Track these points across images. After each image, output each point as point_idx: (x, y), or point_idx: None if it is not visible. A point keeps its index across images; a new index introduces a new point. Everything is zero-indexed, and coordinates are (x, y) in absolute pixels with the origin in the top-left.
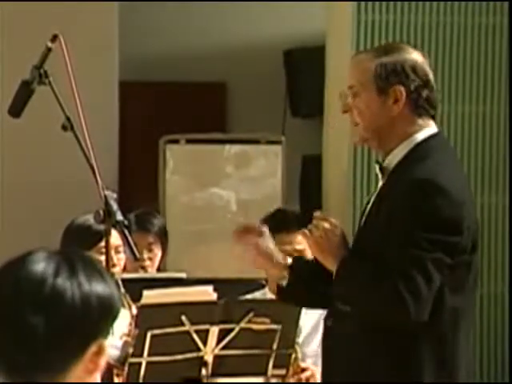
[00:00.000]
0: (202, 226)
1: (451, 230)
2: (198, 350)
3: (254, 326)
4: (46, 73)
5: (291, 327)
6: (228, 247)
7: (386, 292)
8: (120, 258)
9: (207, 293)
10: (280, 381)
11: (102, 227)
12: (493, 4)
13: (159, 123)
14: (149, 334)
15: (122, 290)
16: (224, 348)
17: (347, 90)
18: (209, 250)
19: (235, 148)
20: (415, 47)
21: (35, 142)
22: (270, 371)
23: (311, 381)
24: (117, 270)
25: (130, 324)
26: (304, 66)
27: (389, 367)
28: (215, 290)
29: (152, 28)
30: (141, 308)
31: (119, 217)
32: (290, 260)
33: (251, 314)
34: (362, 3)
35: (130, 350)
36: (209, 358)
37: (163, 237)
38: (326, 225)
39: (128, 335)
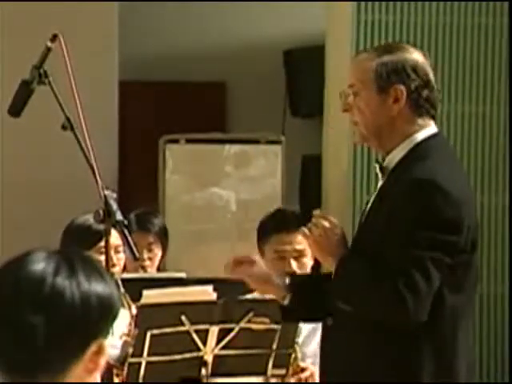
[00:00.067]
0: (202, 225)
1: (451, 229)
2: (198, 349)
3: (254, 326)
4: (45, 73)
5: (291, 327)
6: (228, 247)
7: (386, 292)
8: (120, 258)
9: (207, 293)
10: (280, 381)
11: (101, 227)
12: (493, 4)
13: (159, 123)
14: (148, 334)
15: (122, 289)
16: (224, 348)
17: (348, 89)
18: (209, 250)
19: (235, 148)
20: (415, 47)
21: (35, 141)
22: (270, 371)
23: (310, 381)
24: (116, 269)
25: (130, 324)
26: (304, 66)
27: (388, 367)
28: (215, 289)
29: (152, 28)
30: (140, 308)
31: (119, 217)
32: (287, 280)
33: (251, 314)
34: (362, 3)
35: (130, 350)
36: (208, 358)
37: (163, 237)
38: (326, 224)
39: (128, 335)
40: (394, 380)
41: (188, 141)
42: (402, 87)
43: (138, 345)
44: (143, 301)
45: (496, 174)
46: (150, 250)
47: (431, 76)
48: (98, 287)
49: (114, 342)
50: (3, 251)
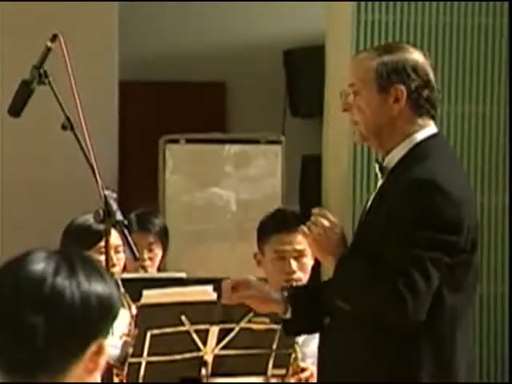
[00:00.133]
0: (202, 225)
1: (451, 229)
2: (198, 349)
3: (254, 326)
4: (45, 73)
5: None
6: (228, 247)
7: (386, 291)
8: (120, 258)
9: (207, 292)
10: (280, 381)
11: (101, 227)
12: (493, 4)
13: (159, 123)
14: (148, 334)
15: (122, 289)
16: (224, 348)
17: (348, 89)
18: (209, 250)
19: (235, 148)
20: (415, 47)
21: (35, 141)
22: (270, 371)
23: (311, 381)
24: (116, 269)
25: (130, 324)
26: (304, 66)
27: (387, 366)
28: (215, 289)
29: (152, 28)
30: (140, 308)
31: (119, 216)
32: (285, 293)
33: (251, 314)
34: (362, 3)
35: (130, 350)
36: (209, 358)
37: (164, 237)
38: (326, 223)
39: (128, 335)
40: (392, 379)
41: (188, 141)
42: (403, 87)
43: (138, 345)
44: (143, 301)
45: (496, 174)
46: (150, 250)
47: (431, 76)
48: (98, 287)
49: (114, 342)
50: (3, 251)
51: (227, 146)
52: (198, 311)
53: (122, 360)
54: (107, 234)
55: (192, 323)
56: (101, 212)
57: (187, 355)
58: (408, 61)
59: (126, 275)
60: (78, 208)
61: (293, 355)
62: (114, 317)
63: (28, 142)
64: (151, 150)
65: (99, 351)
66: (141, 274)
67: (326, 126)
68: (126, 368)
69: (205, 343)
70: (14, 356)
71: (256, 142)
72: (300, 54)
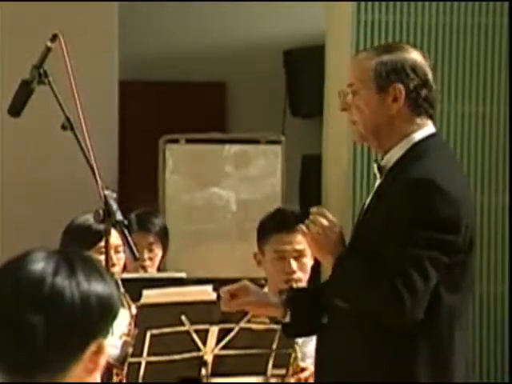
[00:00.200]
0: (202, 225)
1: (449, 228)
2: (198, 349)
3: (254, 326)
4: (45, 72)
5: None
6: (228, 247)
7: (384, 291)
8: (120, 258)
9: (207, 292)
10: (279, 380)
11: (101, 227)
12: (493, 4)
13: (159, 123)
14: (148, 334)
15: (122, 289)
16: (224, 348)
17: (346, 88)
18: (208, 250)
19: (235, 148)
20: (415, 47)
21: (35, 141)
22: (270, 371)
23: (310, 381)
24: (116, 269)
25: (130, 324)
26: (304, 66)
27: (385, 366)
28: (215, 289)
29: (152, 28)
30: (140, 308)
31: (119, 216)
32: (283, 296)
33: (250, 314)
34: (362, 3)
35: (130, 350)
36: (208, 358)
37: (164, 237)
38: (325, 222)
39: (127, 335)
40: (390, 379)
41: (188, 141)
42: (401, 86)
43: (137, 345)
44: (143, 301)
45: (496, 174)
46: (150, 250)
47: (430, 76)
48: (98, 287)
49: (114, 342)
50: (3, 251)
51: (227, 146)
52: (197, 311)
53: (121, 360)
54: (107, 233)
55: (192, 323)
56: (101, 212)
57: (187, 355)
58: (407, 60)
59: (125, 275)
60: (78, 208)
61: (293, 355)
62: (114, 317)
63: (28, 142)
64: (151, 150)
65: (99, 351)
66: (141, 274)
67: (326, 126)
68: (125, 368)
69: (205, 343)
70: (13, 356)
71: (256, 141)
72: (300, 54)
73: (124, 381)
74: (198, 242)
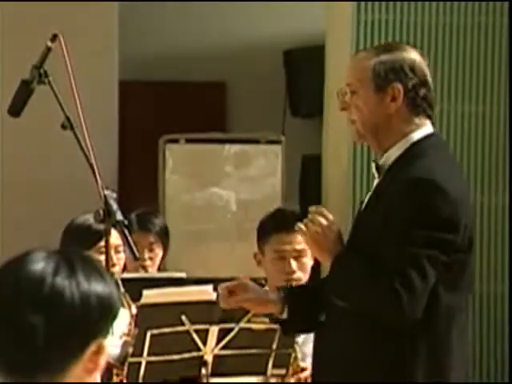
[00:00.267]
0: (202, 225)
1: (448, 227)
2: (198, 349)
3: (254, 326)
4: (45, 72)
5: None
6: (228, 247)
7: (383, 290)
8: (120, 258)
9: (207, 292)
10: (279, 380)
11: (101, 227)
12: (493, 4)
13: (159, 123)
14: (148, 334)
15: (122, 289)
16: (224, 348)
17: (345, 88)
18: (209, 250)
19: (235, 148)
20: (415, 47)
21: (35, 141)
22: (270, 371)
23: (310, 380)
24: (116, 269)
25: (130, 323)
26: (304, 66)
27: (381, 364)
28: (215, 289)
29: (152, 28)
30: (140, 307)
31: (119, 216)
32: (282, 293)
33: (251, 314)
34: (362, 3)
35: (130, 350)
36: (208, 358)
37: (164, 237)
38: (323, 221)
39: (128, 335)
40: (388, 378)
41: (188, 141)
42: (400, 86)
43: (137, 344)
44: (143, 300)
45: (496, 174)
46: (150, 250)
47: (428, 76)
48: (98, 287)
49: (114, 342)
50: (3, 251)
51: (227, 146)
52: (197, 311)
53: (121, 360)
54: (107, 233)
55: (192, 323)
56: (101, 212)
57: (187, 355)
58: (405, 60)
59: (126, 275)
60: (78, 208)
61: (292, 355)
62: (114, 316)
63: (28, 142)
64: (151, 150)
65: (99, 351)
66: (141, 274)
67: (326, 126)
68: (125, 368)
69: (205, 343)
70: (13, 356)
71: (256, 141)
72: (300, 54)
73: (124, 381)
74: (198, 242)
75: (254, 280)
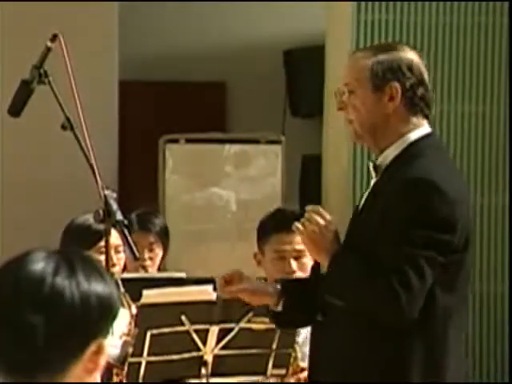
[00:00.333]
0: (202, 225)
1: (445, 228)
2: (198, 349)
3: (254, 326)
4: (45, 72)
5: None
6: (228, 247)
7: (380, 289)
8: (120, 258)
9: (207, 292)
10: (279, 380)
11: (101, 227)
12: (493, 4)
13: (159, 123)
14: (148, 334)
15: (122, 289)
16: (224, 348)
17: (343, 87)
18: (209, 250)
19: (235, 148)
20: (415, 47)
21: (35, 141)
22: (270, 371)
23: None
24: (116, 269)
25: (130, 323)
26: (304, 66)
27: (377, 364)
28: (215, 289)
29: (152, 28)
30: (140, 307)
31: (119, 216)
32: (279, 286)
33: (251, 314)
34: (362, 3)
35: (130, 350)
36: (208, 358)
37: (164, 237)
38: (320, 220)
39: (128, 335)
40: (383, 377)
41: (188, 141)
42: (398, 85)
43: (137, 344)
44: (143, 300)
45: (496, 174)
46: (151, 250)
47: (426, 76)
48: (98, 287)
49: (114, 342)
50: (3, 251)
51: (227, 146)
52: (197, 311)
53: (121, 360)
54: (107, 233)
55: (192, 323)
56: (101, 212)
57: (187, 355)
58: (403, 60)
59: (126, 275)
60: (78, 208)
61: (292, 355)
62: (114, 316)
63: (28, 142)
64: (151, 150)
65: (99, 351)
66: (141, 274)
67: (326, 126)
68: (125, 368)
69: (205, 343)
70: (13, 356)
71: (256, 141)
72: (300, 54)
73: (124, 381)
74: (198, 242)
75: None
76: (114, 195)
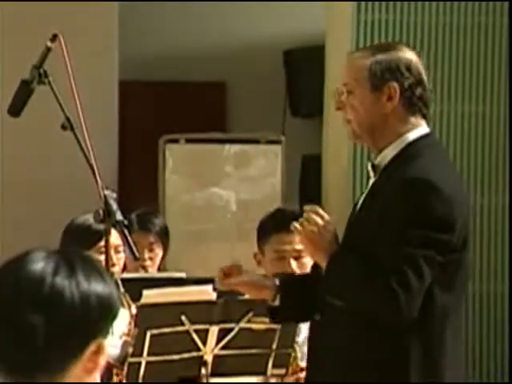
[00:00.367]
0: (202, 225)
1: (443, 227)
2: (198, 349)
3: (254, 326)
4: (45, 72)
5: (290, 327)
6: (228, 247)
7: (379, 289)
8: (119, 258)
9: (207, 292)
10: (279, 380)
11: (101, 227)
12: (493, 4)
13: (159, 123)
14: (148, 334)
15: (122, 289)
16: (223, 348)
17: (341, 87)
18: (209, 250)
19: (235, 148)
20: (415, 47)
21: (35, 141)
22: (270, 371)
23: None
24: (116, 269)
25: (130, 323)
26: (304, 66)
27: (376, 364)
28: (215, 289)
29: (152, 28)
30: (140, 307)
31: (119, 216)
32: (277, 281)
33: (250, 314)
34: (362, 3)
35: (130, 350)
36: (208, 358)
37: (164, 237)
38: (319, 220)
39: (127, 335)
40: (382, 378)
41: (188, 141)
42: (396, 85)
43: (137, 344)
44: (143, 300)
45: (496, 174)
46: (151, 250)
47: (424, 76)
48: (98, 287)
49: (114, 342)
50: (3, 251)
51: (227, 146)
52: (197, 311)
53: (121, 360)
54: (107, 233)
55: (192, 323)
56: (101, 212)
57: (187, 355)
58: (401, 59)
59: (125, 275)
60: (78, 208)
61: (292, 355)
62: (114, 316)
63: (28, 142)
64: (151, 150)
65: (98, 351)
66: (141, 274)
67: (326, 126)
68: (125, 368)
69: (204, 343)
70: (13, 356)
71: (256, 141)
72: (300, 54)
73: (124, 381)
74: (198, 242)
75: None
76: (114, 195)
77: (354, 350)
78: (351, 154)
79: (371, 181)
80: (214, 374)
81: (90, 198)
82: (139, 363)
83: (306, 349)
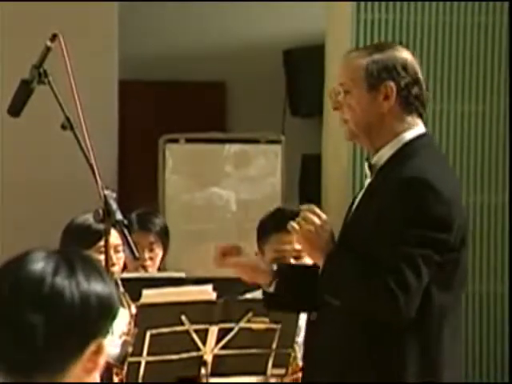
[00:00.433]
0: (202, 225)
1: (441, 227)
2: (198, 349)
3: (254, 326)
4: (45, 72)
5: (290, 327)
6: None
7: (378, 289)
8: (119, 258)
9: (207, 292)
10: (279, 380)
11: (101, 226)
12: (492, 3)
13: (159, 122)
14: (148, 334)
15: (122, 289)
16: (223, 347)
17: (338, 87)
18: (208, 250)
19: (235, 147)
20: (415, 47)
21: (35, 141)
22: (270, 370)
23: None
24: (116, 269)
25: (130, 323)
26: (304, 66)
27: (373, 363)
28: (214, 289)
29: (152, 28)
30: (140, 307)
31: (119, 216)
32: (274, 266)
33: (250, 314)
34: (362, 3)
35: (130, 350)
36: (208, 358)
37: (164, 236)
38: (316, 220)
39: (127, 334)
40: (379, 377)
41: (188, 140)
42: (392, 84)
43: (137, 344)
44: (143, 300)
45: (496, 174)
46: (151, 250)
47: (420, 75)
48: (98, 287)
49: (114, 342)
50: (3, 251)
51: (227, 146)
52: (197, 311)
53: (121, 359)
54: (107, 233)
55: (191, 323)
56: (100, 212)
57: (186, 355)
58: (398, 59)
59: (125, 275)
60: (78, 208)
61: (292, 355)
62: (114, 316)
63: (28, 142)
64: (151, 150)
65: (98, 351)
66: (140, 274)
67: (326, 126)
68: (125, 367)
69: (204, 343)
70: (13, 356)
71: (256, 141)
72: (300, 54)
73: (124, 380)
74: (198, 242)
75: None
76: (114, 195)
77: (352, 349)
78: (351, 153)
79: (367, 181)
80: (213, 374)
81: (90, 197)
82: (139, 363)
83: None
